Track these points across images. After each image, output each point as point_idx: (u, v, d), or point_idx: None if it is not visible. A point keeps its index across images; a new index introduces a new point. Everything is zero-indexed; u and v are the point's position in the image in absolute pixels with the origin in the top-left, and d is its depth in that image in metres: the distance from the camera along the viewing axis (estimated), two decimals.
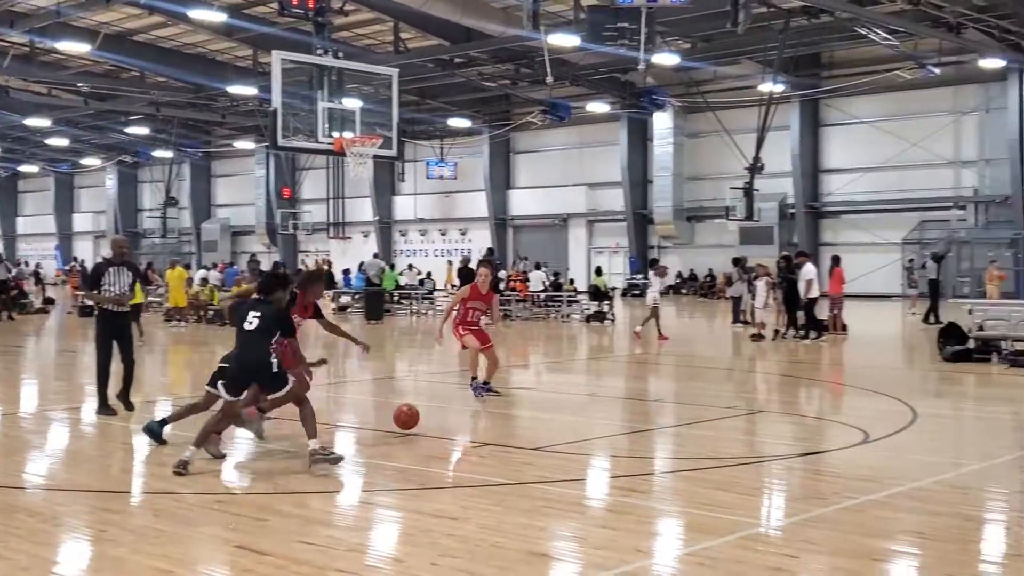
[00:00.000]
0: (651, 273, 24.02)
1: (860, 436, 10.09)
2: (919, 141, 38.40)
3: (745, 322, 26.01)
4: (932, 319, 25.08)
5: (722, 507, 7.27)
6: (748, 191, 36.39)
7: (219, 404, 8.95)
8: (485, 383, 12.83)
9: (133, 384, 11.88)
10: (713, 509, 7.24)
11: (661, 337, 21.70)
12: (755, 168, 36.09)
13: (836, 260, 24.21)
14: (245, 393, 8.60)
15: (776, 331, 21.84)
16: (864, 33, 30.78)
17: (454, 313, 13.03)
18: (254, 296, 8.99)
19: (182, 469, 8.22)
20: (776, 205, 41.07)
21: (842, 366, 18.78)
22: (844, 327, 23.08)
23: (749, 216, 36.49)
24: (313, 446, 8.43)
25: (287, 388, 8.61)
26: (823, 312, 22.80)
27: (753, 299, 22.73)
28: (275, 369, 8.50)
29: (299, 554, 6.17)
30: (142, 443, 10.17)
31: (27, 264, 55.52)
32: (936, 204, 38.73)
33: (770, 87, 34.06)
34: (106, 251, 56.27)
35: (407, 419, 10.08)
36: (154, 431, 9.67)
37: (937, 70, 33.57)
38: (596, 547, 6.33)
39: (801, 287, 21.45)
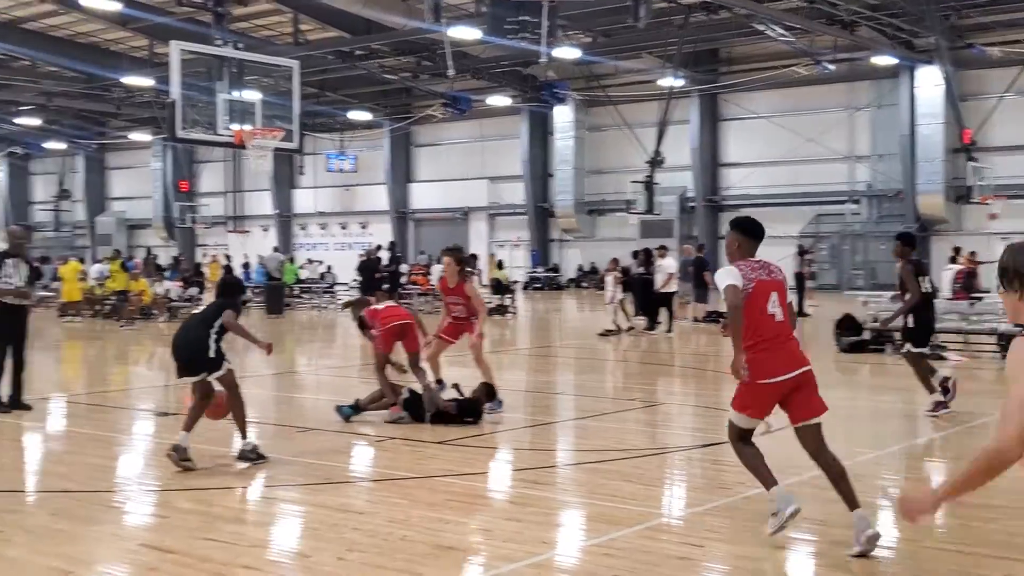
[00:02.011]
0: (610, 275, 24.16)
1: (762, 427, 10.30)
2: (815, 136, 39.30)
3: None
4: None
5: (627, 498, 7.37)
6: (648, 185, 36.84)
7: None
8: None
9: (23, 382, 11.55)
10: (618, 500, 7.33)
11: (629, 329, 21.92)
12: (655, 162, 36.58)
13: None
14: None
15: (630, 327, 22.03)
16: (762, 29, 31.40)
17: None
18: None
19: (181, 458, 8.16)
20: (676, 199, 41.64)
21: None
22: None
23: (650, 210, 36.96)
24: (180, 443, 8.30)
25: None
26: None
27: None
28: (211, 354, 8.43)
29: (203, 551, 6.08)
30: (36, 441, 9.92)
31: None
32: (831, 198, 39.68)
33: (670, 82, 34.53)
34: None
35: (217, 409, 8.87)
36: (345, 413, 10.48)
37: (832, 67, 34.40)
38: (503, 540, 6.37)
39: (659, 279, 21.80)
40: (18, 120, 49.00)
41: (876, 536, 5.92)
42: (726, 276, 6.11)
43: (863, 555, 5.89)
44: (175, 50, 19.30)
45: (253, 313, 30.67)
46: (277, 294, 30.78)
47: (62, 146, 50.99)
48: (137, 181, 58.66)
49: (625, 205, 38.54)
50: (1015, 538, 6.39)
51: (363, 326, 11.42)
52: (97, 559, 6.11)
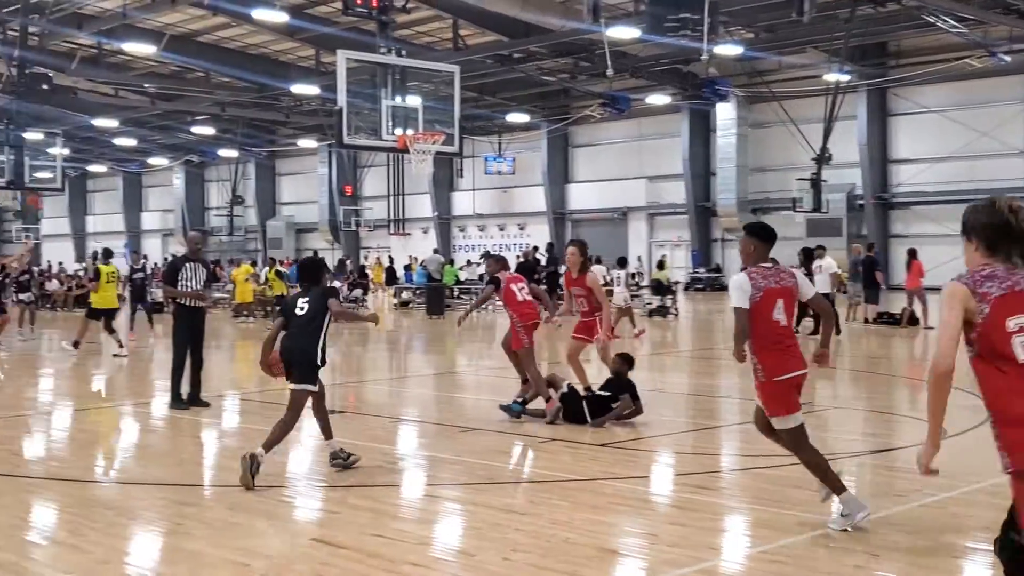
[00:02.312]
0: (621, 272, 23.73)
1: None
2: (990, 130, 37.58)
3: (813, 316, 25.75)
4: None
5: (796, 504, 7.17)
6: (815, 182, 35.89)
7: None
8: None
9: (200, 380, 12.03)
10: (786, 506, 7.14)
11: (638, 334, 21.37)
12: (822, 159, 35.61)
13: (913, 253, 23.80)
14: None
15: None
16: (932, 21, 30.21)
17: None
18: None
19: (335, 460, 8.33)
20: (844, 196, 40.44)
21: (917, 360, 18.47)
22: (916, 320, 22.72)
23: (817, 208, 35.99)
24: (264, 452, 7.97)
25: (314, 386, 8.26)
26: (899, 306, 22.53)
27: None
28: (320, 361, 8.21)
29: (372, 547, 6.20)
30: (212, 437, 10.32)
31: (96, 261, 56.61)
32: (1008, 195, 37.77)
33: (836, 77, 33.57)
34: (175, 248, 57.24)
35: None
36: (515, 410, 10.55)
37: (1008, 58, 32.85)
38: (668, 544, 6.28)
39: (819, 281, 20.65)
40: (194, 129, 51.33)
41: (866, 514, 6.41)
42: (735, 293, 6.54)
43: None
44: (342, 59, 19.85)
45: (415, 313, 31.25)
46: (438, 295, 31.29)
47: (234, 154, 53.13)
48: (304, 186, 60.60)
49: (791, 203, 37.64)
50: None
51: (493, 282, 11.35)
52: (272, 553, 6.30)
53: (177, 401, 11.81)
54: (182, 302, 11.97)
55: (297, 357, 8.15)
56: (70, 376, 16.76)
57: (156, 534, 6.81)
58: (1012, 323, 4.02)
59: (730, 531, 6.86)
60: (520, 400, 10.88)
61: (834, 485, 6.56)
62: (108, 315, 19.42)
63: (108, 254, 21.02)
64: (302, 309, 8.24)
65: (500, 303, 11.49)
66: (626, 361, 10.97)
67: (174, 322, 12.13)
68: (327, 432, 8.54)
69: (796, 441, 6.66)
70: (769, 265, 6.68)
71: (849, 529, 6.36)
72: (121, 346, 18.73)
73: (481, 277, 37.39)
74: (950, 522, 6.75)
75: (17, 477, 8.48)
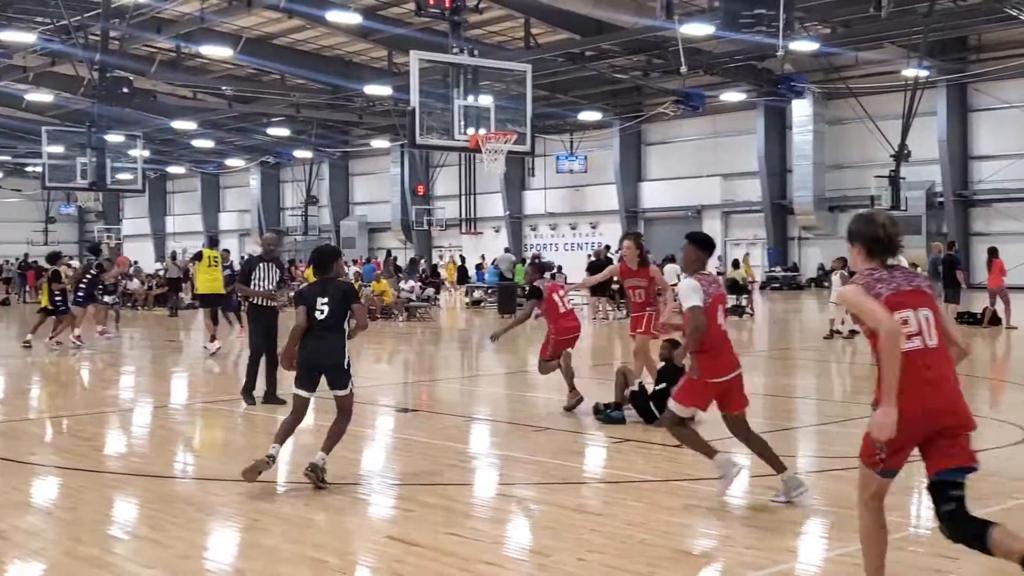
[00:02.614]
0: (836, 274, 23.21)
1: (1019, 434, 9.67)
2: None
3: None
4: None
5: None
6: (894, 179, 35.27)
7: None
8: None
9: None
10: None
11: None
12: (901, 155, 34.95)
13: (994, 252, 23.27)
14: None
15: (852, 331, 20.72)
16: (1015, 14, 29.49)
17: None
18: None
19: (316, 477, 7.67)
20: (923, 194, 39.69)
21: (999, 361, 18.05)
22: (998, 320, 22.22)
23: (895, 205, 35.34)
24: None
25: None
26: (980, 305, 22.03)
27: None
28: (347, 365, 7.96)
29: (446, 545, 6.23)
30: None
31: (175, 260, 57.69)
32: None
33: (915, 72, 32.92)
34: (252, 248, 58.12)
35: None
36: (613, 418, 10.57)
37: None
38: (745, 546, 6.21)
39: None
40: (270, 131, 52.10)
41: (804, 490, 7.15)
42: (692, 295, 7.14)
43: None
44: (415, 60, 19.96)
45: (486, 312, 31.32)
46: (509, 294, 31.30)
47: (309, 154, 53.80)
48: (377, 186, 61.14)
49: (869, 201, 36.97)
50: None
51: (534, 294, 11.37)
52: (348, 550, 6.35)
53: (249, 398, 11.99)
54: (255, 301, 12.13)
55: (327, 363, 7.93)
56: (150, 374, 17.10)
57: (234, 530, 6.91)
58: (897, 317, 4.74)
59: (807, 534, 6.75)
60: (614, 405, 10.75)
61: (706, 451, 7.40)
62: (215, 302, 19.57)
63: (214, 242, 21.25)
64: (322, 312, 7.87)
65: (540, 315, 11.49)
66: (674, 346, 10.85)
67: (248, 322, 12.31)
68: (327, 444, 7.94)
69: (675, 425, 7.34)
70: (708, 273, 7.47)
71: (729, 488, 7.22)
72: (213, 339, 18.89)
73: (552, 276, 37.37)
74: None
75: (100, 473, 8.67)
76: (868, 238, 4.94)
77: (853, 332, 20.45)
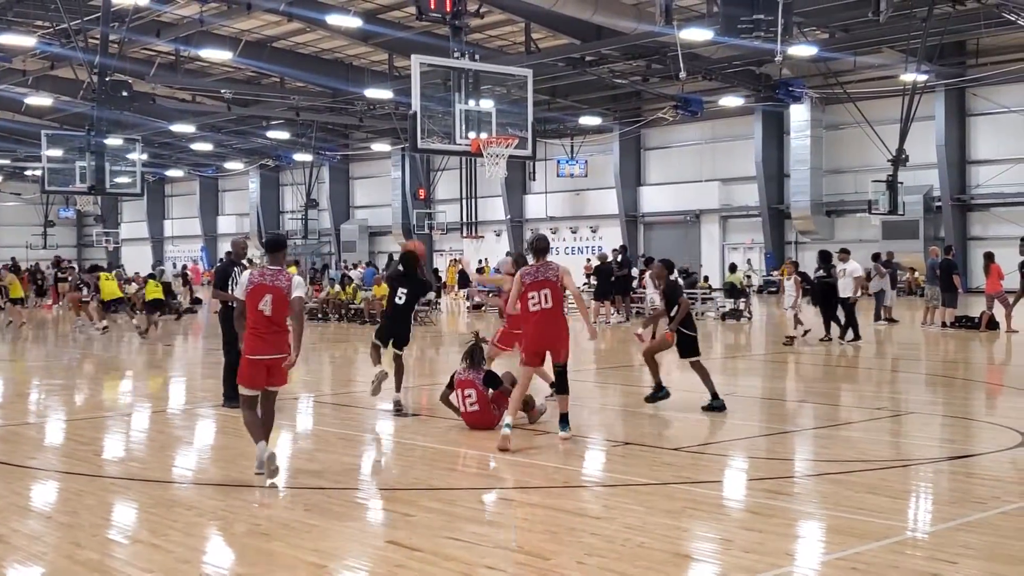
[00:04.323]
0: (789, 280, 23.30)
1: (1017, 438, 9.70)
2: None
3: (889, 319, 25.37)
4: None
5: (872, 511, 7.07)
6: (892, 184, 35.27)
7: None
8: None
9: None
10: (863, 512, 7.05)
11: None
12: (899, 160, 34.98)
13: (990, 256, 23.28)
14: None
15: (806, 331, 20.78)
16: (1013, 19, 29.54)
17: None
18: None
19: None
20: (921, 198, 39.72)
21: (997, 365, 18.08)
22: (996, 325, 22.26)
23: (893, 210, 35.35)
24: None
25: None
26: (978, 309, 22.04)
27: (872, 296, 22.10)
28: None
29: (447, 550, 6.24)
30: (287, 439, 10.46)
31: (174, 266, 57.77)
32: None
33: (913, 77, 32.97)
34: (251, 251, 58.30)
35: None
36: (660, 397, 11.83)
37: None
38: (744, 550, 6.23)
39: (842, 285, 20.17)
40: (269, 134, 52.13)
41: (273, 457, 7.97)
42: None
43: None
44: (416, 64, 19.99)
45: (488, 316, 31.31)
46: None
47: (309, 157, 53.84)
48: (378, 189, 61.19)
49: (867, 205, 37.04)
50: None
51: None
52: (349, 555, 6.37)
53: (229, 401, 11.93)
54: (232, 304, 12.11)
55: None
56: (147, 378, 17.12)
57: (234, 535, 6.92)
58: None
59: (805, 537, 6.78)
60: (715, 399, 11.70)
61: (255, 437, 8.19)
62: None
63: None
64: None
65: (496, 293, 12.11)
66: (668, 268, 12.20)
67: (221, 325, 12.23)
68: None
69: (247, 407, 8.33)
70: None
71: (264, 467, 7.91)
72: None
73: None
74: None
75: (99, 477, 8.69)
76: (533, 248, 6.89)
77: (806, 332, 20.74)
